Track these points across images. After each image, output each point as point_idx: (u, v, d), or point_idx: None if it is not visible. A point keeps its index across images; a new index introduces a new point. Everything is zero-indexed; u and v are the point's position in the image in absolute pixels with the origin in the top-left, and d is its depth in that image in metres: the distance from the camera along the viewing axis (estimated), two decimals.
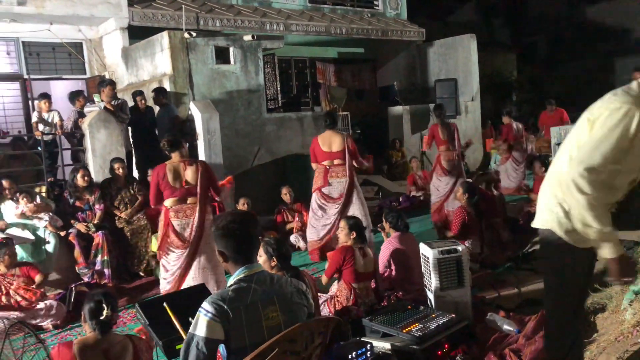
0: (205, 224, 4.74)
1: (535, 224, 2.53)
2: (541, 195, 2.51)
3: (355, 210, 6.22)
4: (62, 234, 5.96)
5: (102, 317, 2.90)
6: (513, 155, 9.98)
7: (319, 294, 4.49)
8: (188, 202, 4.73)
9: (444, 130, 7.45)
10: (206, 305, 2.10)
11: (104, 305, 2.91)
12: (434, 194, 7.65)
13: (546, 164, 7.83)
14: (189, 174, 4.72)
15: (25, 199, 5.88)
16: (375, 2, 13.53)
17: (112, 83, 7.69)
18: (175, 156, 4.78)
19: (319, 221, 6.34)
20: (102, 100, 7.45)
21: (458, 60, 13.30)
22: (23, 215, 5.85)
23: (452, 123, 7.81)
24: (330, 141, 6.27)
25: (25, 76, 9.01)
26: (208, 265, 4.75)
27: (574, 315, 2.50)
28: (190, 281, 4.70)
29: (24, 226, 5.89)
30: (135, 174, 7.71)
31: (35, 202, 5.93)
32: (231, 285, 2.20)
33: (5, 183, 6.01)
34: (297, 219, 7.41)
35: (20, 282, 4.98)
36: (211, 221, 4.76)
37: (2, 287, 4.96)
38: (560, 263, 2.45)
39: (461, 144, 7.74)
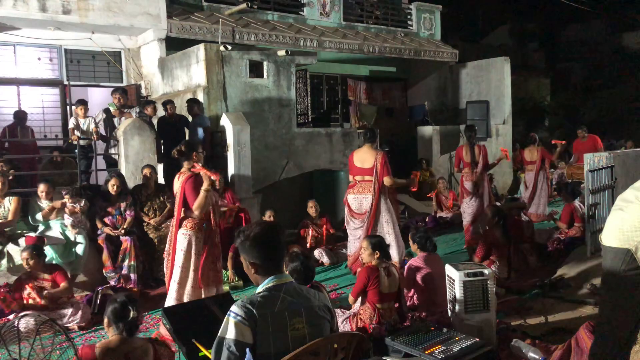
0: (180, 238, 4.59)
1: (609, 241, 2.49)
2: (622, 215, 2.49)
3: (383, 230, 6.14)
4: (76, 232, 6.01)
5: (129, 319, 2.91)
6: (526, 179, 9.86)
7: (342, 310, 4.48)
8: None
9: (468, 152, 7.59)
10: (235, 308, 2.12)
11: (129, 307, 2.93)
12: (464, 217, 7.71)
13: (575, 192, 7.69)
14: (175, 186, 4.68)
15: (67, 196, 6.00)
16: (409, 22, 13.59)
17: (119, 91, 7.91)
18: (185, 165, 4.70)
19: (351, 234, 6.30)
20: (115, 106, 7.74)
21: (491, 82, 13.23)
22: (61, 210, 5.99)
23: (480, 145, 7.83)
24: (364, 157, 6.23)
25: (65, 82, 9.31)
26: (176, 279, 4.64)
27: (626, 341, 2.46)
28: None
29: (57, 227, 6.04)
30: (161, 180, 7.82)
31: (80, 205, 6.07)
32: (259, 292, 2.22)
33: (43, 187, 6.11)
34: (312, 232, 7.41)
35: (47, 286, 5.04)
36: (183, 236, 4.61)
37: (29, 288, 5.01)
38: (624, 284, 2.43)
39: (487, 165, 7.74)
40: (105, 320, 3.03)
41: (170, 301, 4.61)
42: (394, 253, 5.92)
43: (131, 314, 2.92)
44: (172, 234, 4.68)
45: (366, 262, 4.47)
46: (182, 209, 4.64)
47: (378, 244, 4.40)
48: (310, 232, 7.43)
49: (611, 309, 2.54)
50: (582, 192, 7.95)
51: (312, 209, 7.53)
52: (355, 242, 6.18)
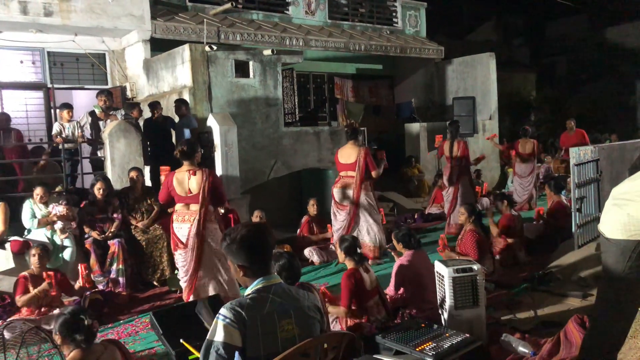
0: (206, 232, 4.81)
1: (614, 234, 2.48)
2: (628, 208, 2.45)
3: (364, 225, 6.61)
4: (65, 237, 5.97)
5: (84, 328, 2.77)
6: (516, 171, 9.98)
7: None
8: (191, 208, 4.84)
9: (449, 148, 8.15)
10: (224, 311, 2.11)
11: (81, 316, 2.79)
12: (445, 208, 8.50)
13: (559, 186, 7.76)
14: (192, 182, 4.83)
15: (64, 205, 5.95)
16: (395, 20, 13.61)
17: (104, 93, 7.83)
18: (185, 165, 4.89)
19: (337, 224, 6.74)
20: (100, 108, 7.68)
21: (477, 78, 13.30)
22: (54, 216, 5.93)
23: (459, 141, 8.26)
24: (347, 153, 6.68)
25: (49, 85, 9.19)
26: (212, 271, 4.84)
27: (621, 335, 2.47)
28: (201, 286, 4.84)
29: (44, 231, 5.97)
30: (148, 183, 7.75)
31: (69, 209, 6.01)
32: (249, 295, 2.20)
33: (39, 190, 6.06)
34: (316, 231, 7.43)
35: (54, 288, 4.99)
36: (216, 229, 4.87)
37: (32, 288, 4.95)
38: (628, 278, 2.43)
39: (467, 159, 8.29)
40: (58, 337, 2.82)
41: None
42: (373, 238, 6.57)
43: (85, 323, 2.77)
44: (197, 228, 4.76)
45: (341, 262, 4.51)
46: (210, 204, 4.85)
47: (349, 248, 4.35)
48: (314, 230, 7.44)
49: (611, 302, 2.51)
50: (567, 186, 8.07)
51: (312, 206, 7.55)
52: (339, 232, 6.59)
